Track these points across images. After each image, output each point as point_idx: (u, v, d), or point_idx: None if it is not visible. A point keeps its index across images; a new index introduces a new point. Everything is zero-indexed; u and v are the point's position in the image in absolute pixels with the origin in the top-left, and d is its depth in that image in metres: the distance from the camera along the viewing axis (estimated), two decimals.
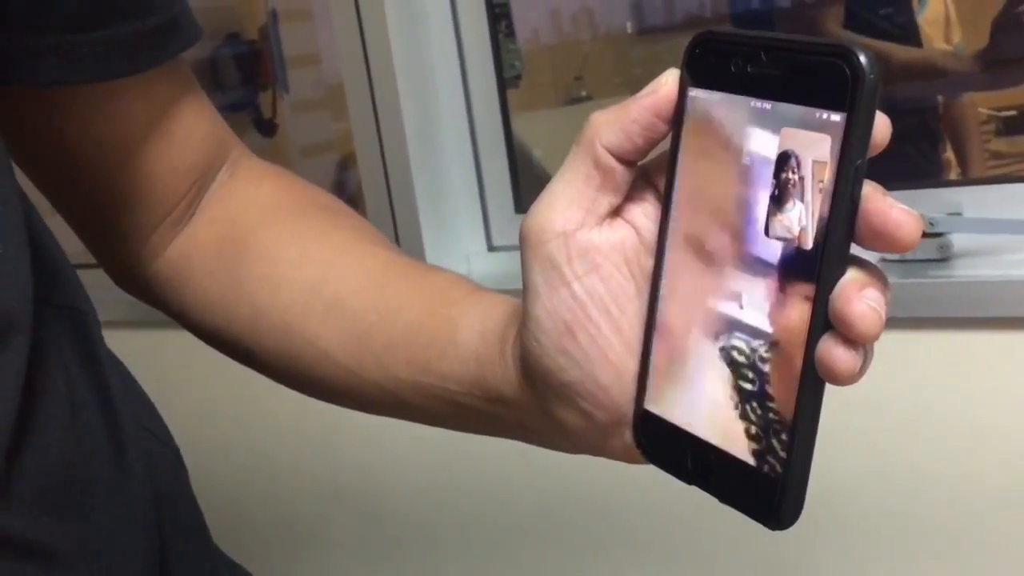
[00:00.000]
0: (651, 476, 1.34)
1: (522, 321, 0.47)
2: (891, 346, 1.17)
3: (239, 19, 1.70)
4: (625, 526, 1.42)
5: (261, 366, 0.63)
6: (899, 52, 1.30)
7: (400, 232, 1.52)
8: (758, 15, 1.42)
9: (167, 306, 0.65)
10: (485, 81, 1.55)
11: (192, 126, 0.62)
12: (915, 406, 1.19)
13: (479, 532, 1.54)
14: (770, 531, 0.41)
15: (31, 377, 0.48)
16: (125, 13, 0.54)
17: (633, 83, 1.53)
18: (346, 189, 1.68)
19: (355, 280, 0.59)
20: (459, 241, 1.56)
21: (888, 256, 1.16)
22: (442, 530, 1.56)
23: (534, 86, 1.61)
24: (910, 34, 1.30)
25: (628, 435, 0.47)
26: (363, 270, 0.60)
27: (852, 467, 1.22)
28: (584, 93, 1.59)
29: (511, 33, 1.56)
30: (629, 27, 1.52)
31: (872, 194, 0.39)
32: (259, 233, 0.62)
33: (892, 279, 1.21)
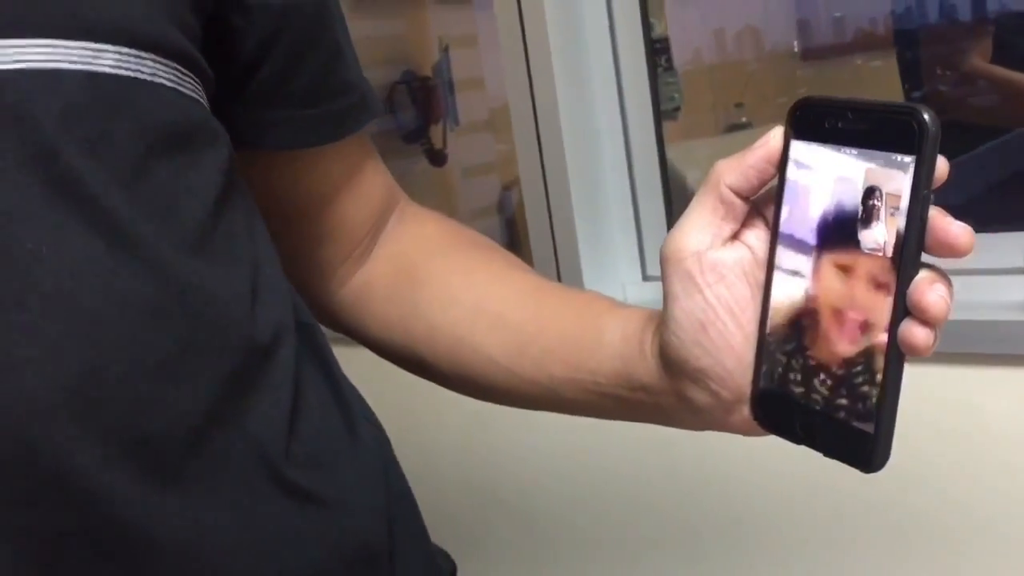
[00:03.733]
0: (785, 488, 1.37)
1: (662, 321, 0.59)
2: None
3: (412, 54, 1.76)
4: (762, 537, 1.45)
5: (434, 374, 0.75)
6: None
7: (561, 263, 1.56)
8: (916, 38, 1.41)
9: (349, 328, 0.78)
10: (642, 116, 1.56)
11: (372, 180, 0.76)
12: None
13: (628, 539, 1.59)
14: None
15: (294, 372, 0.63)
16: (334, 92, 0.70)
17: None
18: (505, 210, 1.72)
19: (513, 299, 0.72)
20: (615, 271, 1.60)
21: None
22: (594, 536, 1.62)
23: (694, 111, 1.59)
24: None
25: (746, 410, 0.58)
26: (519, 290, 0.72)
27: (994, 498, 1.23)
28: (744, 120, 1.60)
29: (670, 67, 1.56)
30: (796, 46, 1.51)
31: (937, 215, 0.50)
32: (429, 264, 0.75)
33: None
